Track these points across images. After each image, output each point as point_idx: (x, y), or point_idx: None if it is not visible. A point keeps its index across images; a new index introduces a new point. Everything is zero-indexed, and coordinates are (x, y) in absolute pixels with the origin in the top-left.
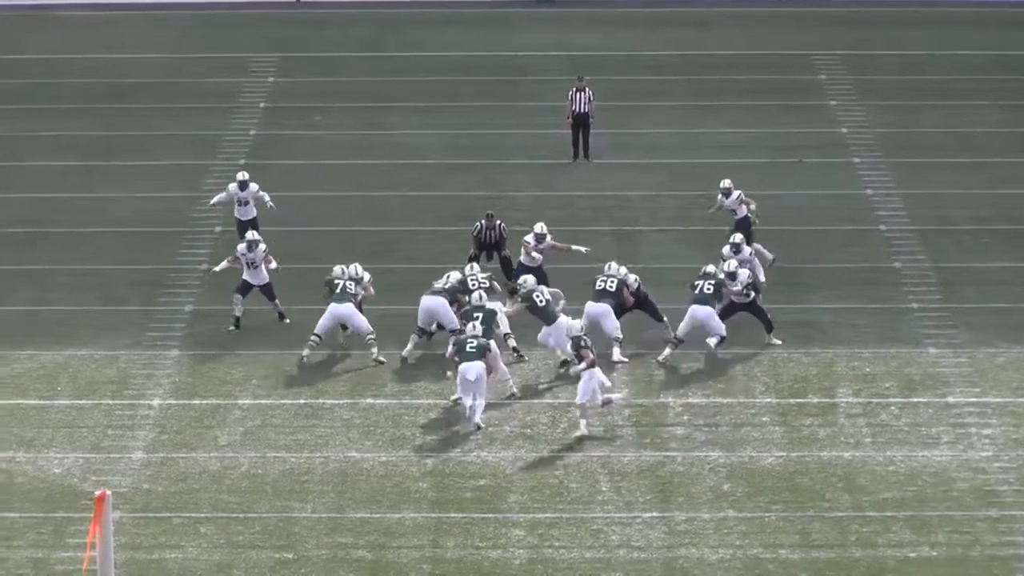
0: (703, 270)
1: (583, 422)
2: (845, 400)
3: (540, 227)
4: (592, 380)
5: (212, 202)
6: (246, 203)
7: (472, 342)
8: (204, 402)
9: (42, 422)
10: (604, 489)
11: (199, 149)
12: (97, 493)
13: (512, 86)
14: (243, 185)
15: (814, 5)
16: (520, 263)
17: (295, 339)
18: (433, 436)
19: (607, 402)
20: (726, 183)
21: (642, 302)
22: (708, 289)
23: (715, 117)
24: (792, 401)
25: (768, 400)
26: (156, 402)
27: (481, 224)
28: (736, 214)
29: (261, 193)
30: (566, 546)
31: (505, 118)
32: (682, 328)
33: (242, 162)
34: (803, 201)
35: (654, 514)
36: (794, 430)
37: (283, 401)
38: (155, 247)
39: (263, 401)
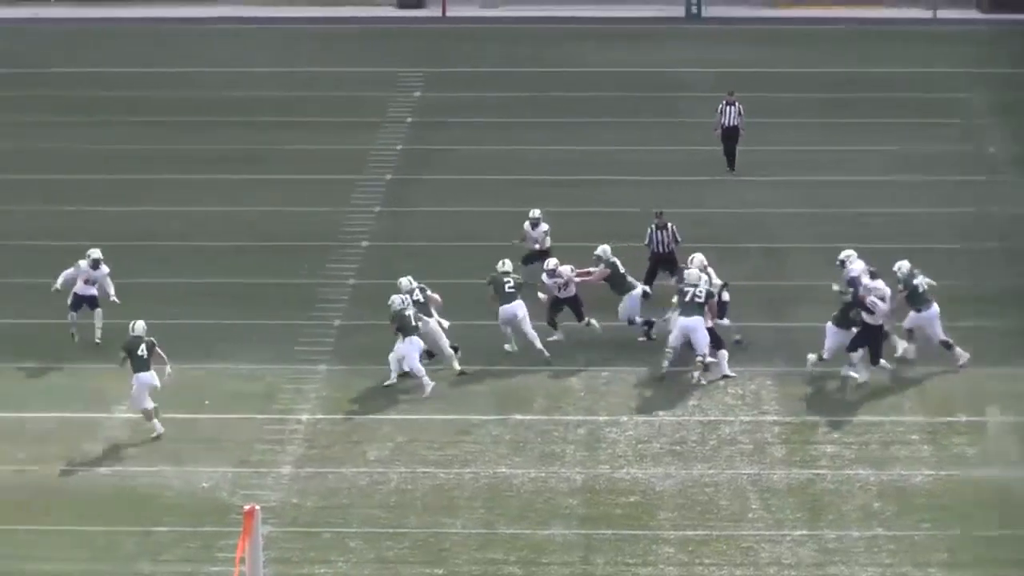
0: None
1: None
2: (994, 419)
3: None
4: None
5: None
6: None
7: (509, 281)
8: (353, 417)
9: (190, 436)
10: (754, 507)
11: (347, 163)
12: (246, 508)
13: (661, 103)
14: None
15: (962, 24)
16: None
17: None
18: (583, 452)
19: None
20: None
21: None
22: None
23: (860, 134)
24: (941, 419)
25: (917, 419)
26: (305, 417)
27: (652, 227)
28: None
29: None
30: (716, 564)
31: (653, 134)
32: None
33: (389, 177)
34: (952, 218)
35: (804, 532)
36: (943, 448)
37: (433, 417)
38: (303, 261)
39: (412, 416)
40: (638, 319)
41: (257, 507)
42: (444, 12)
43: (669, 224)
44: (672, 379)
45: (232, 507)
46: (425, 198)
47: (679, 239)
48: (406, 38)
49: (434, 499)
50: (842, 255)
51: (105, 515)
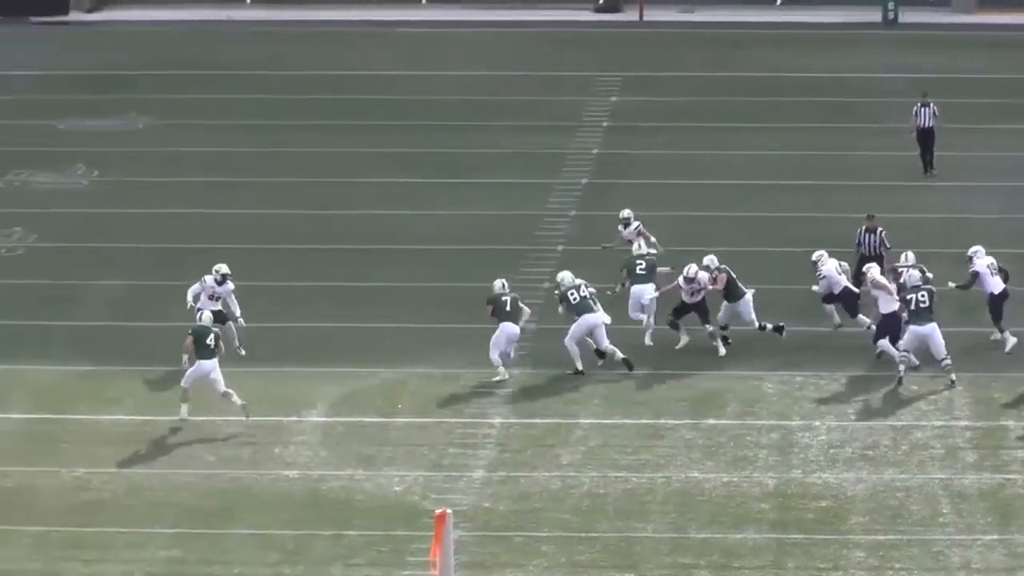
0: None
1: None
2: None
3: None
4: None
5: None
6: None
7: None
8: (546, 421)
9: (383, 440)
10: (945, 511)
11: (543, 167)
12: (438, 512)
13: (850, 107)
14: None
15: None
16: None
17: (637, 359)
18: (775, 457)
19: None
20: None
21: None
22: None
23: None
24: None
25: None
26: (497, 421)
27: (861, 229)
28: None
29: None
30: (907, 568)
31: (840, 139)
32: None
33: (584, 181)
34: None
35: (994, 537)
36: None
37: (625, 421)
38: (498, 265)
39: (605, 420)
40: (755, 322)
41: (449, 511)
42: (641, 16)
43: (879, 228)
44: (865, 383)
45: (424, 511)
46: (621, 202)
47: (888, 244)
48: (603, 42)
49: (626, 503)
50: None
51: (295, 518)
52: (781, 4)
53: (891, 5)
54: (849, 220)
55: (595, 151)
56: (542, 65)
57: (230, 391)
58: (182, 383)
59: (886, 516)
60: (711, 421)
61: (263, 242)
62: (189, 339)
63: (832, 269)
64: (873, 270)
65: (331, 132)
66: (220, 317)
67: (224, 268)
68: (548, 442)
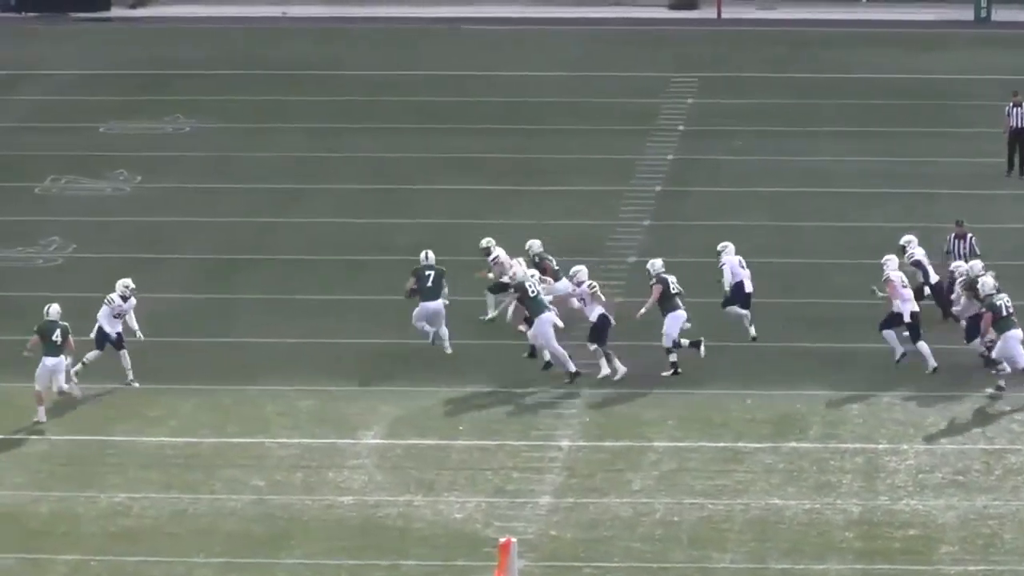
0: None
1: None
2: None
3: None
4: None
5: None
6: None
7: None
8: (616, 444)
9: (443, 463)
10: None
11: (614, 174)
12: (501, 540)
13: (939, 110)
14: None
15: None
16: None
17: (708, 378)
18: (860, 483)
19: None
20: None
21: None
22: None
23: None
24: None
25: None
26: (565, 443)
27: (951, 236)
28: None
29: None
30: None
31: (929, 144)
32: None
33: (658, 188)
34: None
35: None
36: None
37: (701, 444)
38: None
39: (679, 443)
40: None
41: (513, 539)
42: (719, 14)
43: (969, 234)
44: (954, 403)
45: (486, 539)
46: (697, 211)
47: (978, 252)
48: (678, 41)
49: (701, 532)
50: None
51: (349, 547)
52: (867, 1)
53: (984, 2)
54: (938, 229)
55: (670, 156)
56: (613, 65)
57: (70, 387)
58: (35, 385)
59: (978, 545)
60: (792, 444)
61: (320, 252)
62: (35, 337)
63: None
64: (891, 263)
65: (393, 136)
66: (119, 341)
67: (130, 283)
68: (619, 466)
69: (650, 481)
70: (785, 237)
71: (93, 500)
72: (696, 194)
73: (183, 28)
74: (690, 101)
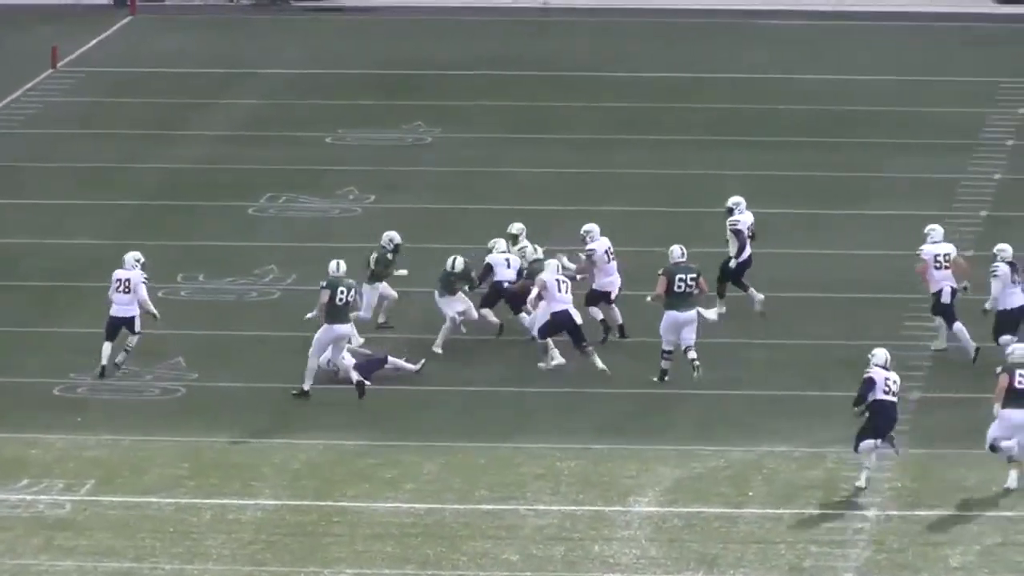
0: None
1: None
2: None
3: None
4: None
5: None
6: None
7: None
8: (932, 512)
9: (729, 536)
10: None
11: (931, 196)
12: None
13: None
14: None
15: None
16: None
17: None
18: None
19: None
20: None
21: None
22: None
23: None
24: None
25: None
26: (872, 512)
27: None
28: None
29: None
30: None
31: None
32: None
33: (984, 213)
34: None
35: None
36: None
37: None
38: (872, 318)
39: (1006, 512)
40: None
41: None
42: None
43: None
44: None
45: None
46: None
47: None
48: (1008, 41)
49: None
50: None
51: None
52: None
53: None
54: None
55: (997, 176)
56: (928, 68)
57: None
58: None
59: None
60: None
61: None
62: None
63: None
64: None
65: (669, 148)
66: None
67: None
68: (934, 539)
69: (971, 556)
70: None
71: None
72: None
73: (426, 21)
74: (1022, 111)
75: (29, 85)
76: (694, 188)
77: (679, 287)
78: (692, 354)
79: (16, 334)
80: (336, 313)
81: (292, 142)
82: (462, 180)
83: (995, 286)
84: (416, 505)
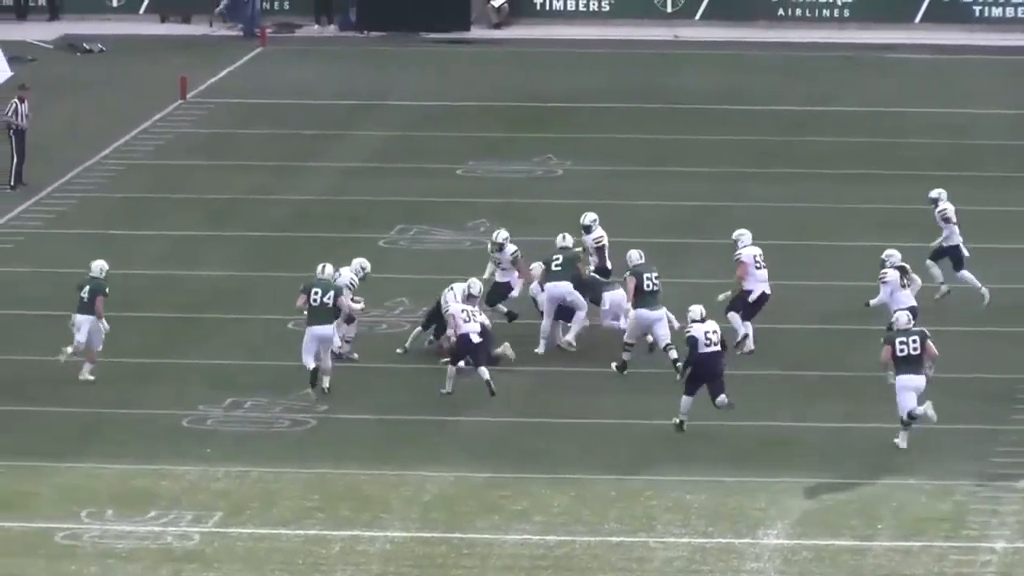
0: None
1: None
2: None
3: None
4: None
5: None
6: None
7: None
8: None
9: (857, 569)
10: None
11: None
12: None
13: None
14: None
15: None
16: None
17: None
18: None
19: None
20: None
21: None
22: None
23: None
24: None
25: None
26: (1000, 545)
27: None
28: None
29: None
30: None
31: None
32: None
33: None
34: None
35: None
36: None
37: None
38: (1007, 350)
39: None
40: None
41: None
42: None
43: None
44: None
45: None
46: None
47: None
48: None
49: None
50: None
51: None
52: None
53: None
54: None
55: None
56: None
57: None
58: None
59: None
60: None
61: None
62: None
63: None
64: None
65: (804, 181)
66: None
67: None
68: None
69: None
70: None
71: None
72: None
73: (556, 52)
74: None
75: (158, 116)
76: (822, 223)
77: (648, 286)
78: (673, 354)
79: (145, 365)
80: (313, 314)
81: (422, 174)
82: (597, 211)
83: (883, 291)
84: (546, 537)
